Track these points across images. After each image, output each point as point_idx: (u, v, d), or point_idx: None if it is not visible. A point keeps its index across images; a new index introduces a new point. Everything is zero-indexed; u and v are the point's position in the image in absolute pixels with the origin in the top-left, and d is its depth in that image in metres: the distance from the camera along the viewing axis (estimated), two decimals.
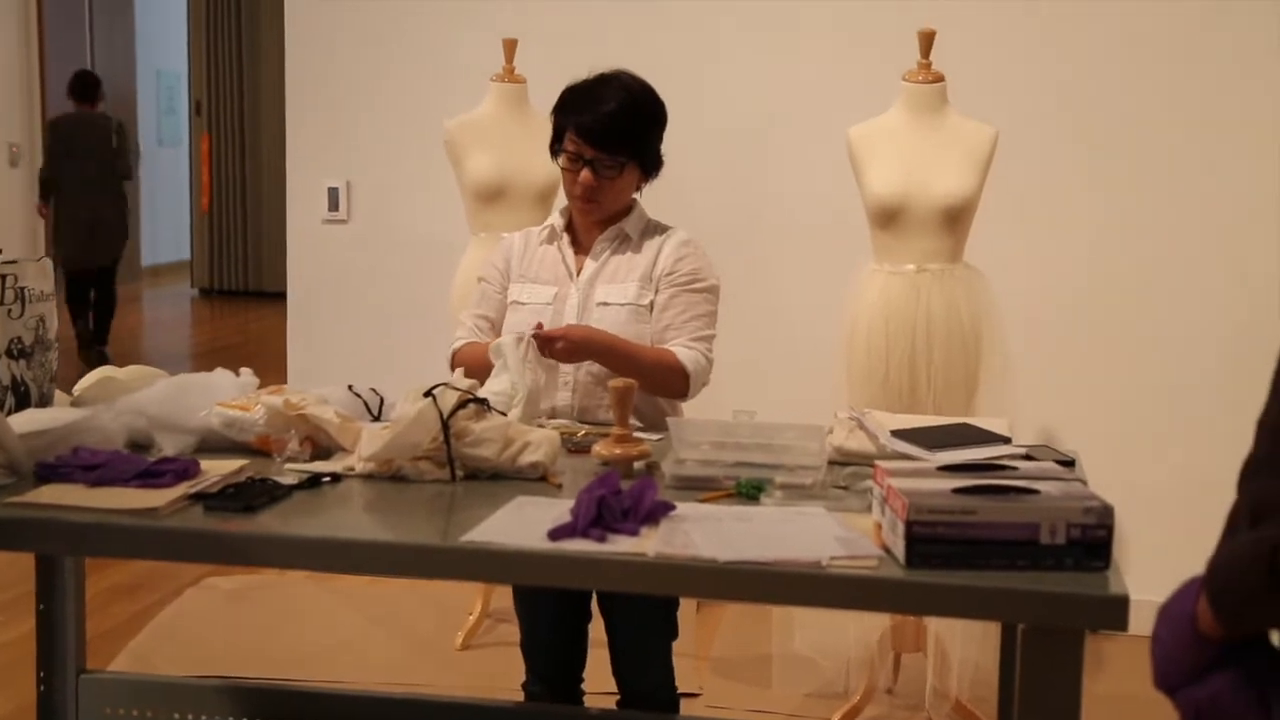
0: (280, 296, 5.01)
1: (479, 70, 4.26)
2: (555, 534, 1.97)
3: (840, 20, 4.45)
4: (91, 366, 9.74)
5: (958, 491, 1.90)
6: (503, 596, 4.45)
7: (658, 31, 4.55)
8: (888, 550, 1.93)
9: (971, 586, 1.83)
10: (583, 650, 2.95)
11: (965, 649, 3.68)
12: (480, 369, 2.63)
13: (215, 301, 13.21)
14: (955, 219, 3.51)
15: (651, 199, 3.85)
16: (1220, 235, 4.25)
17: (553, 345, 2.66)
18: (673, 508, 2.08)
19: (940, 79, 3.57)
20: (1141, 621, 1.70)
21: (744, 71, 4.54)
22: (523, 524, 2.04)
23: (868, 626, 3.77)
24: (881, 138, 3.58)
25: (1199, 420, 4.25)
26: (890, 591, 1.87)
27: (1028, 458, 2.32)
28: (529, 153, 4.16)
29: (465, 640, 4.23)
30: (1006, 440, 2.44)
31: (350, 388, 2.62)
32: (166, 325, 12.23)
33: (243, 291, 13.17)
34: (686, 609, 4.47)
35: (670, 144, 4.65)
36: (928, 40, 3.55)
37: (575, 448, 2.47)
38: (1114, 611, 1.79)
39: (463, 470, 2.30)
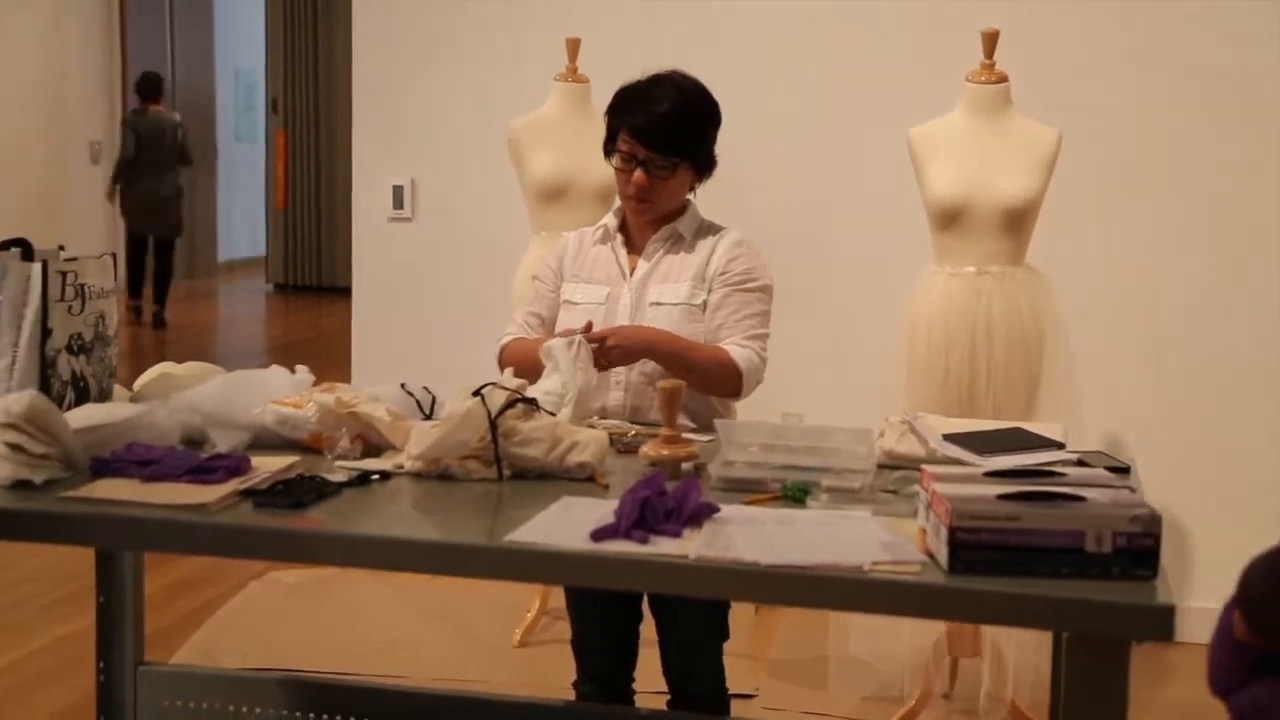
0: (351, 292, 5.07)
1: (543, 70, 4.28)
2: (598, 535, 1.97)
3: (903, 20, 4.42)
4: (154, 325, 10.48)
5: (1003, 497, 1.88)
6: (560, 595, 4.46)
7: (720, 30, 4.54)
8: (931, 556, 1.91)
9: (1014, 594, 1.81)
10: (634, 650, 2.95)
11: (1021, 653, 3.65)
12: (526, 365, 2.64)
13: (289, 296, 13.38)
14: (1017, 221, 3.48)
15: (711, 199, 3.85)
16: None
17: (605, 348, 2.65)
18: (716, 510, 2.07)
19: (1004, 79, 3.54)
20: (1205, 629, 1.67)
21: (804, 72, 4.53)
22: (567, 524, 2.05)
23: (924, 631, 3.74)
24: (943, 138, 3.55)
25: (1262, 427, 4.18)
26: (932, 597, 1.85)
27: (1080, 464, 2.29)
28: (591, 152, 4.15)
29: (523, 638, 4.25)
30: (1060, 445, 2.41)
31: (403, 386, 2.64)
32: (241, 320, 12.42)
33: (315, 287, 13.34)
34: (744, 611, 4.48)
35: (730, 144, 4.65)
36: (991, 40, 3.52)
37: (624, 448, 2.47)
38: (1160, 621, 1.75)
39: (510, 469, 2.31)
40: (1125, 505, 1.87)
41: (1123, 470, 2.28)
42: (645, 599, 2.88)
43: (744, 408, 2.89)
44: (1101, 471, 2.11)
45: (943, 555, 1.86)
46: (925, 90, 3.80)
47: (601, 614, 2.88)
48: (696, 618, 2.82)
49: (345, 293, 5.12)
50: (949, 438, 2.46)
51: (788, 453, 2.32)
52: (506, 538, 1.97)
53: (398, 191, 4.88)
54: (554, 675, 3.44)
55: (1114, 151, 4.22)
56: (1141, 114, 4.24)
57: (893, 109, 4.13)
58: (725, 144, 4.63)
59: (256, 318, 12.61)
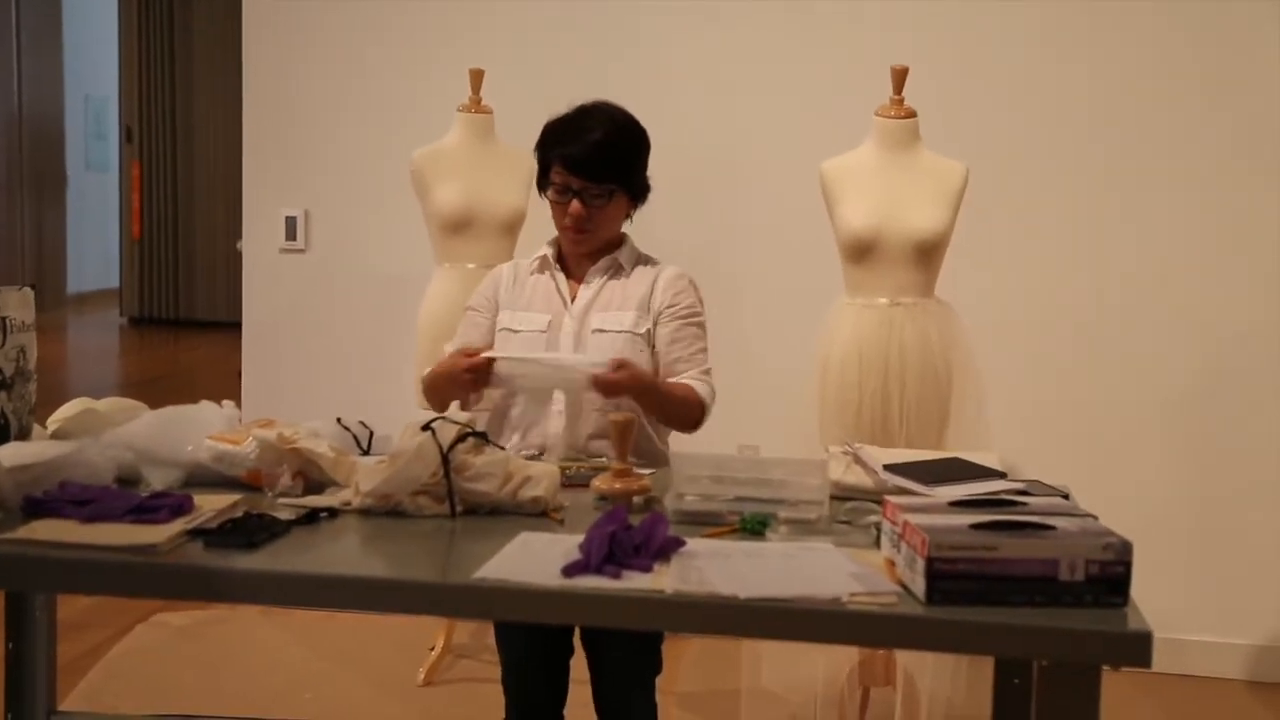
0: (212, 325, 4.94)
1: (444, 100, 4.24)
2: (569, 570, 1.95)
3: (813, 55, 4.49)
4: None
5: (976, 528, 1.90)
6: (463, 632, 4.40)
7: (626, 60, 4.54)
8: (904, 586, 1.92)
9: (993, 623, 1.83)
10: (564, 684, 2.91)
11: (935, 683, 3.69)
12: (444, 384, 2.67)
13: (145, 330, 13.00)
14: (928, 254, 3.54)
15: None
16: (1183, 269, 4.33)
17: (616, 376, 2.65)
18: (683, 543, 2.06)
19: (912, 115, 3.60)
20: None
21: (715, 105, 4.56)
22: (532, 560, 2.02)
23: (836, 661, 3.76)
24: (854, 172, 3.60)
25: (1169, 449, 4.32)
26: (911, 628, 1.86)
27: (1024, 493, 2.32)
28: (496, 183, 4.14)
29: (428, 676, 4.16)
30: (1002, 475, 2.44)
31: (339, 420, 2.58)
32: (94, 355, 12.01)
33: (173, 320, 12.99)
34: None
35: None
36: (900, 77, 3.58)
37: (572, 482, 2.44)
38: (1138, 647, 1.79)
39: (462, 505, 2.27)
40: (1096, 534, 1.91)
41: (1064, 498, 2.32)
42: (577, 632, 2.85)
43: (683, 438, 2.88)
44: (1059, 500, 2.15)
45: (919, 586, 1.87)
46: (835, 125, 3.84)
47: (534, 648, 2.84)
48: (631, 651, 2.80)
49: (205, 326, 4.98)
50: (890, 468, 2.48)
51: (740, 484, 2.32)
52: (475, 575, 1.93)
53: (290, 222, 4.78)
54: (468, 714, 3.39)
55: (1017, 186, 4.32)
56: (1045, 149, 4.37)
57: (803, 143, 4.20)
58: None
59: (110, 352, 12.21)
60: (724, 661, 4.22)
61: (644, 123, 4.58)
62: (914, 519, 1.94)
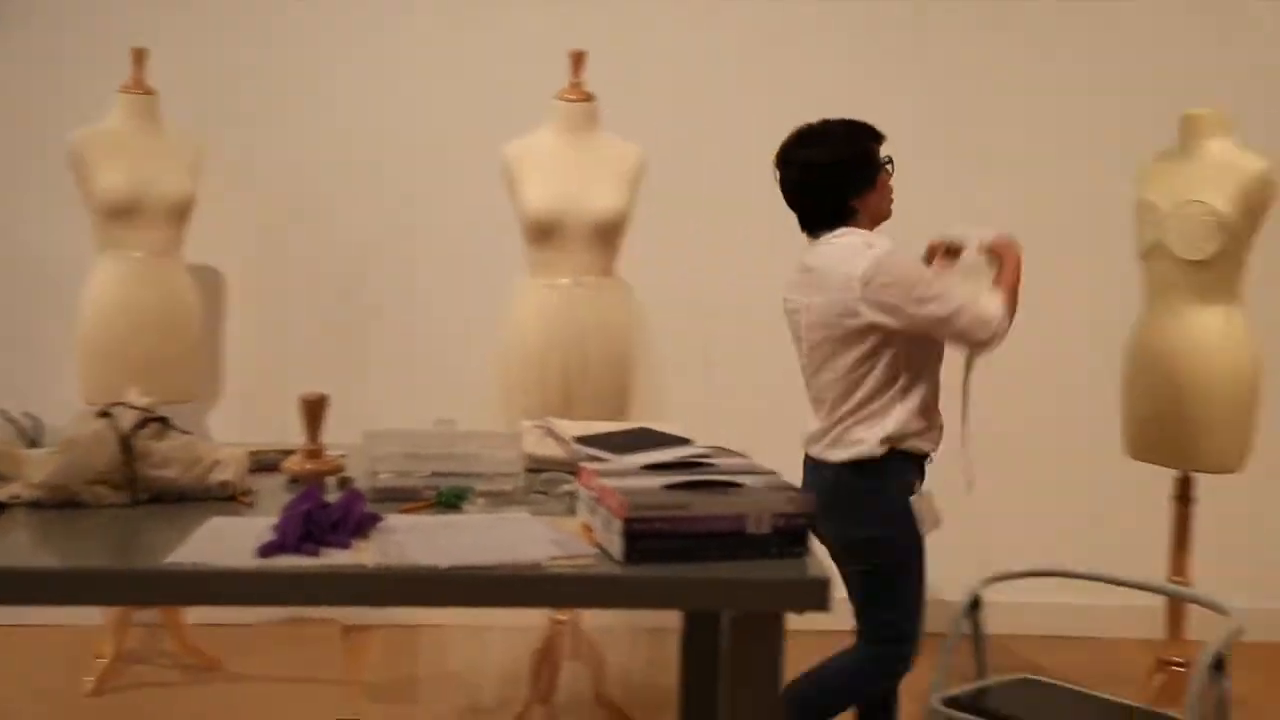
0: None
1: (106, 80, 4.05)
2: (266, 550, 1.91)
3: (494, 37, 4.52)
4: None
5: (669, 488, 1.96)
6: (134, 637, 4.22)
7: (291, 43, 4.46)
8: (602, 548, 1.97)
9: (687, 578, 1.90)
10: None
11: (620, 654, 3.79)
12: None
13: None
14: (607, 235, 3.62)
15: (286, 216, 3.77)
16: None
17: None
18: (380, 519, 2.05)
19: (591, 98, 3.67)
20: None
21: (394, 86, 4.53)
22: (225, 543, 1.96)
23: (522, 639, 3.82)
24: (535, 155, 3.65)
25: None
26: (609, 588, 1.91)
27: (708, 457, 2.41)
28: (162, 168, 3.99)
29: (98, 685, 3.97)
30: (687, 442, 2.53)
31: (3, 412, 2.44)
32: None
33: None
34: (322, 635, 4.42)
35: (318, 160, 4.60)
36: (579, 60, 3.65)
37: (263, 466, 2.39)
38: (817, 593, 1.89)
39: (146, 493, 2.19)
40: (780, 488, 2.01)
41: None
42: None
43: (382, 416, 2.82)
44: (745, 460, 2.24)
45: (616, 547, 1.92)
46: (516, 107, 3.87)
47: None
48: None
49: None
50: (581, 439, 2.53)
51: (434, 460, 2.32)
52: (167, 560, 1.87)
53: None
54: None
55: (691, 169, 4.47)
56: (718, 133, 4.54)
57: (483, 125, 4.23)
58: (304, 158, 4.57)
59: None
60: (408, 648, 4.22)
61: (317, 104, 4.55)
62: (610, 483, 1.99)
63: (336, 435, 2.49)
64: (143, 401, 2.26)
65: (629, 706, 3.79)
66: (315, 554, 1.91)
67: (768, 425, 4.27)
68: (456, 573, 1.87)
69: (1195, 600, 2.49)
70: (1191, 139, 3.56)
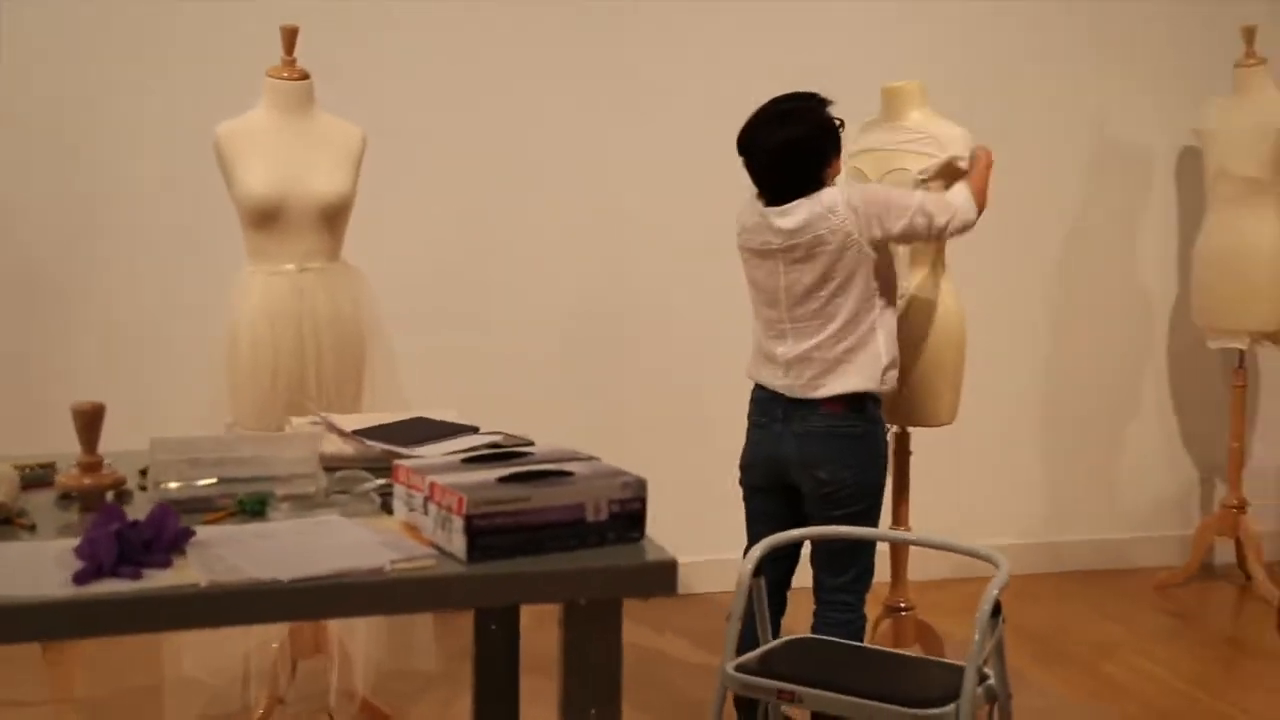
0: None
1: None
2: (81, 577, 1.76)
3: (192, 14, 4.30)
4: None
5: (504, 481, 1.93)
6: None
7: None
8: (438, 548, 1.92)
9: (533, 572, 1.88)
10: None
11: (368, 646, 3.70)
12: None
13: None
14: (333, 218, 3.50)
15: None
16: (554, 232, 4.66)
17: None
18: (193, 533, 1.93)
19: (306, 76, 3.53)
20: None
21: (74, 75, 4.24)
22: (22, 572, 1.80)
23: (262, 637, 3.67)
24: (251, 136, 3.47)
25: (551, 393, 4.63)
26: (456, 588, 1.86)
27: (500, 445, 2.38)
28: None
29: None
30: (475, 429, 2.49)
31: None
32: None
33: None
34: (20, 654, 4.12)
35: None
36: (291, 36, 3.50)
37: (30, 482, 2.20)
38: (664, 577, 1.91)
39: None
40: (611, 474, 2.01)
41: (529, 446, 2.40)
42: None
43: (142, 421, 2.63)
44: (562, 448, 2.22)
45: (457, 545, 1.88)
46: (229, 85, 3.69)
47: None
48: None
49: None
50: (362, 433, 2.46)
51: (220, 465, 2.20)
52: None
53: None
54: None
55: (411, 150, 4.40)
56: (438, 111, 4.52)
57: (188, 103, 4.03)
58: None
59: None
60: (122, 658, 3.99)
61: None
62: (441, 479, 1.94)
63: (41, 447, 2.34)
64: None
65: (377, 698, 3.71)
66: (137, 576, 1.78)
67: (512, 406, 4.30)
68: (298, 585, 1.78)
69: (972, 553, 2.65)
70: None
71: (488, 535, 1.88)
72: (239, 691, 3.71)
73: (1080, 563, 5.20)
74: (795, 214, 3.18)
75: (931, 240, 3.46)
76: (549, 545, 1.92)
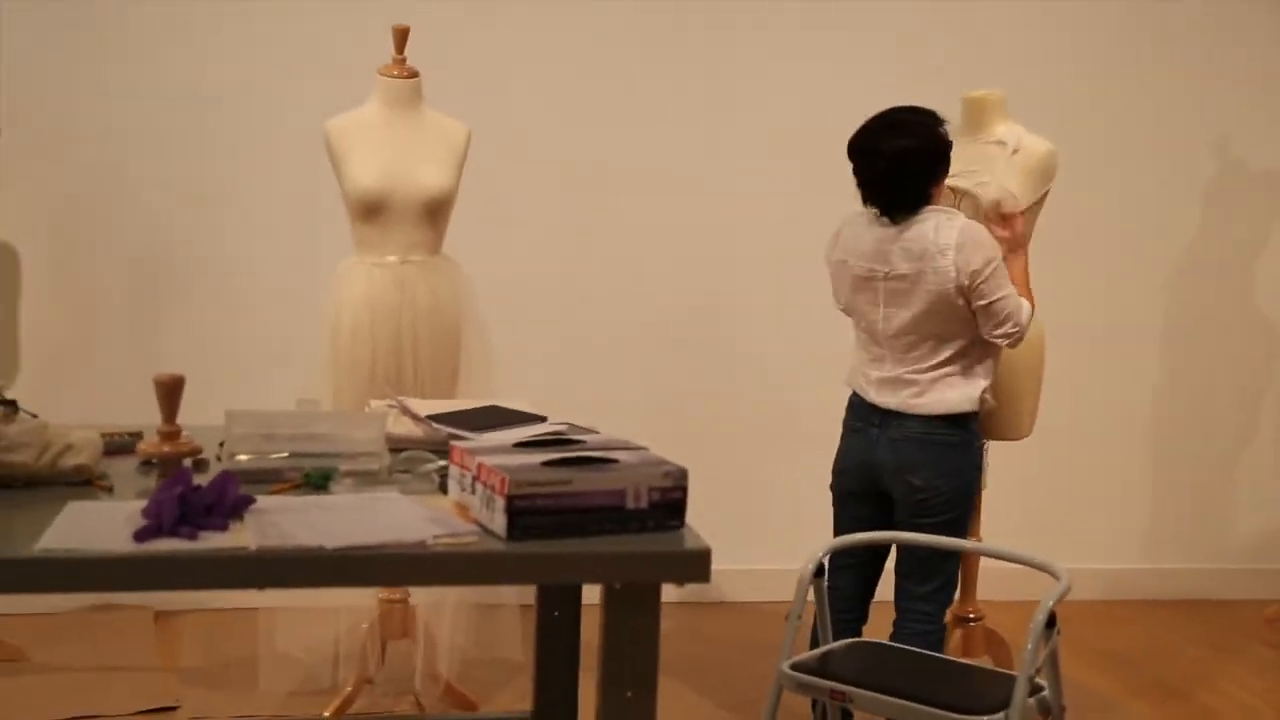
0: None
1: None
2: (141, 535, 1.87)
3: (316, 9, 4.46)
4: None
5: (549, 465, 2.00)
6: None
7: (107, 12, 4.31)
8: (482, 526, 1.99)
9: (570, 553, 1.94)
10: None
11: (453, 632, 3.79)
12: None
13: None
14: (435, 212, 3.60)
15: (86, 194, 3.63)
16: (654, 233, 4.71)
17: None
18: (253, 501, 2.03)
19: (415, 74, 3.64)
20: None
21: (201, 61, 4.42)
22: (93, 529, 1.91)
23: (353, 618, 3.78)
24: (360, 131, 3.60)
25: (652, 397, 4.71)
26: (495, 565, 1.93)
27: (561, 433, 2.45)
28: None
29: None
30: (542, 418, 2.56)
31: None
32: None
33: None
34: (144, 620, 4.31)
35: (126, 134, 4.46)
36: (402, 36, 3.61)
37: (117, 449, 2.32)
38: (698, 565, 1.95)
39: None
40: (655, 463, 2.06)
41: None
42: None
43: (244, 396, 2.75)
44: (614, 436, 2.28)
45: (499, 524, 1.95)
46: (343, 82, 3.82)
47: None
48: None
49: None
50: (435, 418, 2.54)
51: (292, 440, 2.30)
52: (38, 546, 1.81)
53: None
54: None
55: (515, 149, 4.50)
56: (544, 113, 4.60)
57: (305, 99, 4.17)
58: (120, 132, 4.42)
59: None
60: (225, 632, 4.14)
61: (122, 79, 4.38)
62: (488, 461, 2.01)
63: (149, 418, 2.46)
64: None
65: (461, 683, 3.80)
66: (193, 537, 1.88)
67: (598, 401, 4.37)
68: (342, 553, 1.86)
69: (1030, 563, 2.64)
70: None
71: (528, 515, 1.94)
72: (330, 670, 3.83)
73: (1186, 591, 5.09)
74: (913, 240, 3.16)
75: (992, 333, 3.27)
76: (589, 528, 1.97)
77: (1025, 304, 3.23)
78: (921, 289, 3.15)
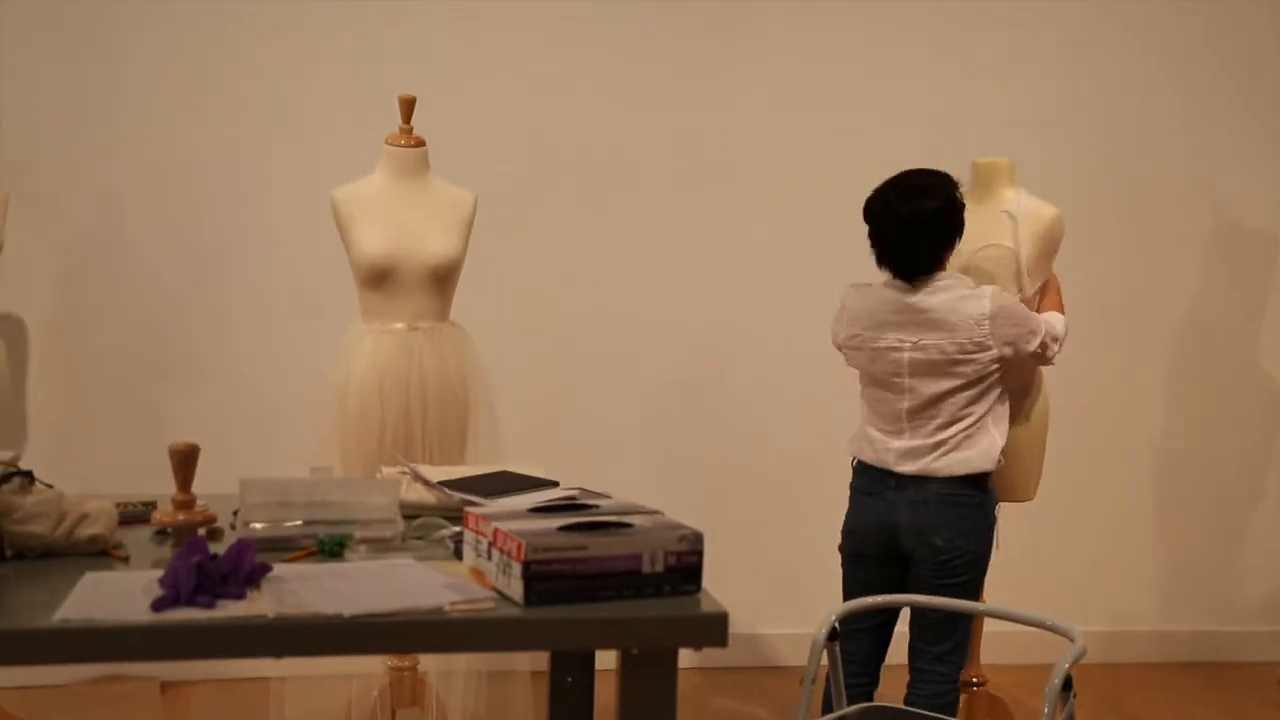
0: None
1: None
2: (159, 605, 1.87)
3: (319, 85, 4.51)
4: None
5: (564, 530, 2.00)
6: None
7: (107, 77, 4.35)
8: (499, 592, 1.99)
9: (588, 619, 1.93)
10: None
11: (464, 699, 3.77)
12: None
13: None
14: (443, 279, 3.62)
15: (90, 265, 3.63)
16: (658, 294, 4.72)
17: None
18: (270, 569, 2.03)
19: (422, 143, 3.68)
20: None
21: (203, 125, 4.46)
22: (112, 598, 1.91)
23: (362, 687, 3.77)
24: (367, 199, 3.63)
25: (661, 459, 4.71)
26: (512, 631, 1.93)
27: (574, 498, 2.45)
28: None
29: None
30: (555, 484, 2.56)
31: None
32: None
33: None
34: (150, 692, 4.28)
35: (127, 204, 4.48)
36: (408, 106, 3.65)
37: (130, 518, 2.33)
38: (715, 629, 1.95)
39: (10, 550, 2.11)
40: (670, 527, 2.06)
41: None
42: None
43: (251, 465, 2.77)
44: (626, 500, 2.29)
45: (515, 590, 1.95)
46: (342, 151, 3.87)
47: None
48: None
49: None
50: (447, 484, 2.55)
51: (307, 508, 2.31)
52: (57, 616, 1.81)
53: None
54: None
55: (518, 214, 4.55)
56: (543, 178, 4.65)
57: (311, 169, 4.22)
58: (120, 202, 4.45)
59: None
60: (236, 701, 4.11)
61: (123, 147, 4.41)
62: (504, 526, 2.01)
63: (156, 487, 2.45)
64: (4, 455, 2.18)
65: None
66: (210, 605, 1.88)
67: (606, 466, 4.38)
68: (360, 621, 1.86)
69: (1045, 626, 2.64)
70: None
71: (545, 581, 1.94)
72: None
73: (1195, 654, 5.07)
74: (939, 309, 3.19)
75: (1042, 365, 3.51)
76: (605, 593, 1.98)
77: (1052, 320, 3.37)
78: (956, 360, 3.19)
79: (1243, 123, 4.99)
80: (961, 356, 3.19)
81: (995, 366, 3.22)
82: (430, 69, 4.44)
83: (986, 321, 3.17)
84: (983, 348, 3.18)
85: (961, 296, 3.20)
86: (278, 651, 1.87)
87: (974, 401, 3.24)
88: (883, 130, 4.70)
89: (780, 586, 4.77)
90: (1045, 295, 3.61)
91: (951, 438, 3.24)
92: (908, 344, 3.23)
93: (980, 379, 3.22)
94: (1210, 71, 4.95)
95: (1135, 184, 4.94)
